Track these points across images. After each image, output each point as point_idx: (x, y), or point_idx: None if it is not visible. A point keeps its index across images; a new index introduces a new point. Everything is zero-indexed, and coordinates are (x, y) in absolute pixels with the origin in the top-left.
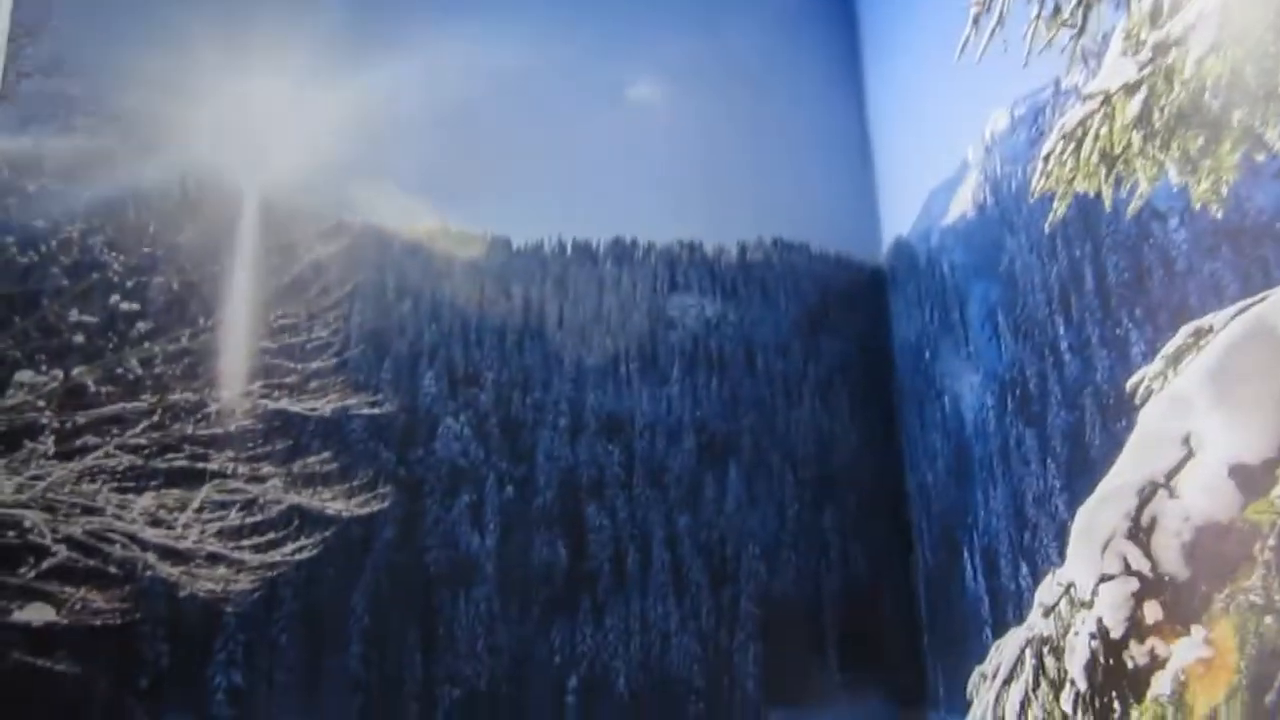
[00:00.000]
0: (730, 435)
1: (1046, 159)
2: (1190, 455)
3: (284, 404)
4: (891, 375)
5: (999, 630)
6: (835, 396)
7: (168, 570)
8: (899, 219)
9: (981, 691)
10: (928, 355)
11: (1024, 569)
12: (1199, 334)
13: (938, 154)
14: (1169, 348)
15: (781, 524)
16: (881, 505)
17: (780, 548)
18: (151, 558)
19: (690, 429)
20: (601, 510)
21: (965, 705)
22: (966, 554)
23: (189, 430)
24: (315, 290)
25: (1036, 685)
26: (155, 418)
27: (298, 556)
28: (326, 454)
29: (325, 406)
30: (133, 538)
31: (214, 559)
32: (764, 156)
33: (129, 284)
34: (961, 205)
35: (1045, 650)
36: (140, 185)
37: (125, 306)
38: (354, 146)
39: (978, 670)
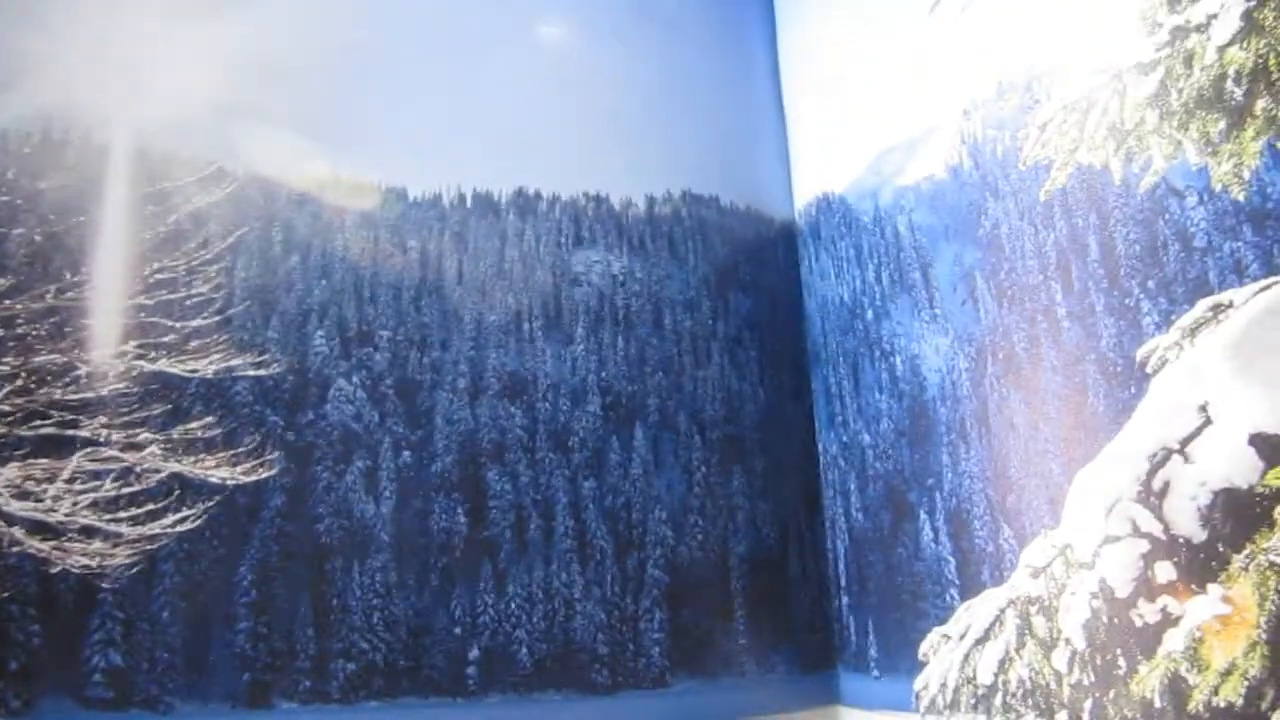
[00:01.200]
0: (637, 396)
1: (1044, 128)
2: (1208, 423)
3: (161, 365)
4: (804, 333)
5: (968, 591)
6: (744, 355)
7: (37, 545)
8: (824, 174)
9: (943, 651)
10: (870, 314)
11: (1005, 531)
12: (1218, 308)
13: (889, 115)
14: (1186, 320)
15: (689, 488)
16: (791, 466)
17: (688, 512)
18: (18, 532)
19: (595, 390)
20: (503, 475)
21: (909, 666)
22: (925, 516)
23: (56, 395)
24: (195, 242)
25: (1021, 645)
26: (19, 382)
27: (179, 528)
28: (209, 418)
29: (207, 368)
30: None
31: (88, 532)
32: (674, 106)
33: None
34: (926, 166)
35: (1033, 610)
36: None
37: None
38: (235, 86)
39: (937, 631)
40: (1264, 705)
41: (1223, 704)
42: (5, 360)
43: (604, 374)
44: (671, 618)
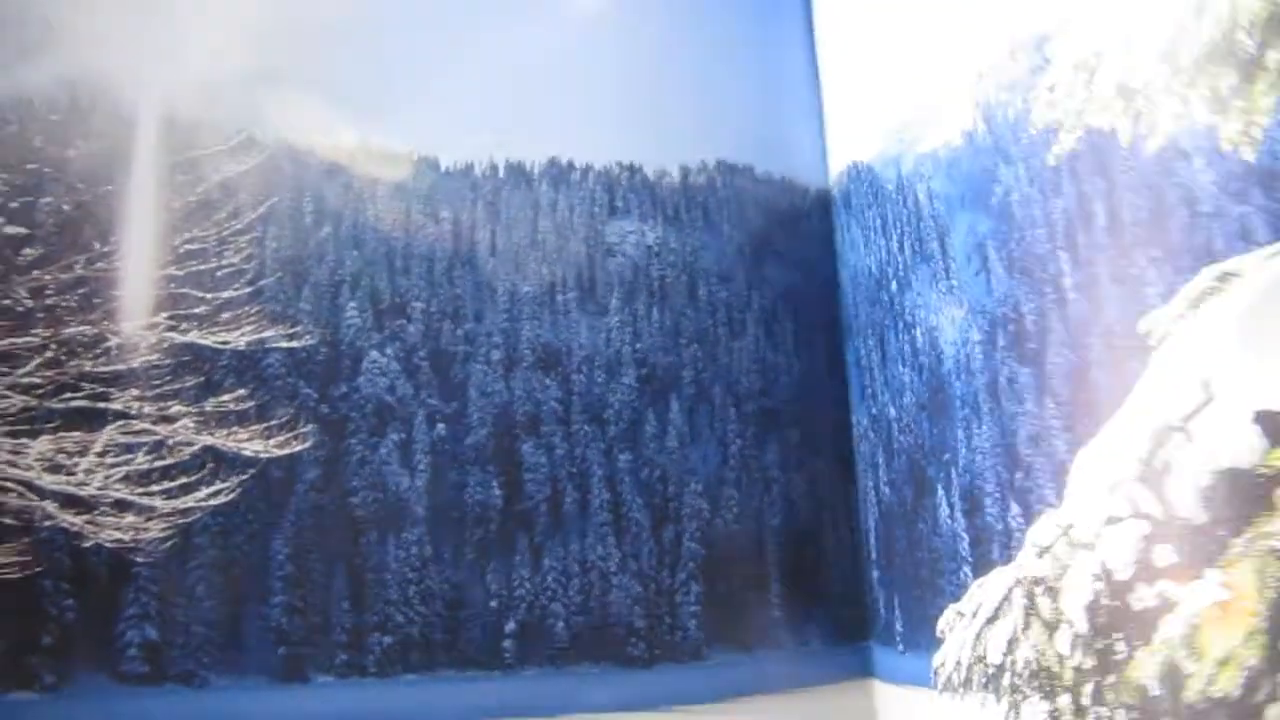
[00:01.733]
0: (671, 368)
1: (1053, 89)
2: (1210, 400)
3: (193, 337)
4: (837, 304)
5: (980, 569)
6: (779, 326)
7: (69, 519)
8: (855, 143)
9: (958, 629)
10: (894, 285)
11: (1014, 509)
12: (1224, 278)
13: (911, 79)
14: (1191, 290)
15: (724, 460)
16: (825, 439)
17: (723, 485)
18: (51, 506)
19: (630, 362)
20: (538, 448)
21: (930, 642)
22: (942, 491)
23: (87, 367)
24: (225, 212)
25: (1027, 625)
26: (49, 354)
27: (213, 501)
28: (241, 391)
29: (239, 339)
30: (29, 485)
31: (121, 506)
32: (708, 74)
33: (14, 204)
34: (943, 133)
35: (1039, 590)
36: (22, 93)
37: (10, 230)
38: (264, 53)
39: (952, 608)
40: (1260, 697)
41: (1219, 694)
42: (35, 332)
43: (639, 346)
44: (707, 591)
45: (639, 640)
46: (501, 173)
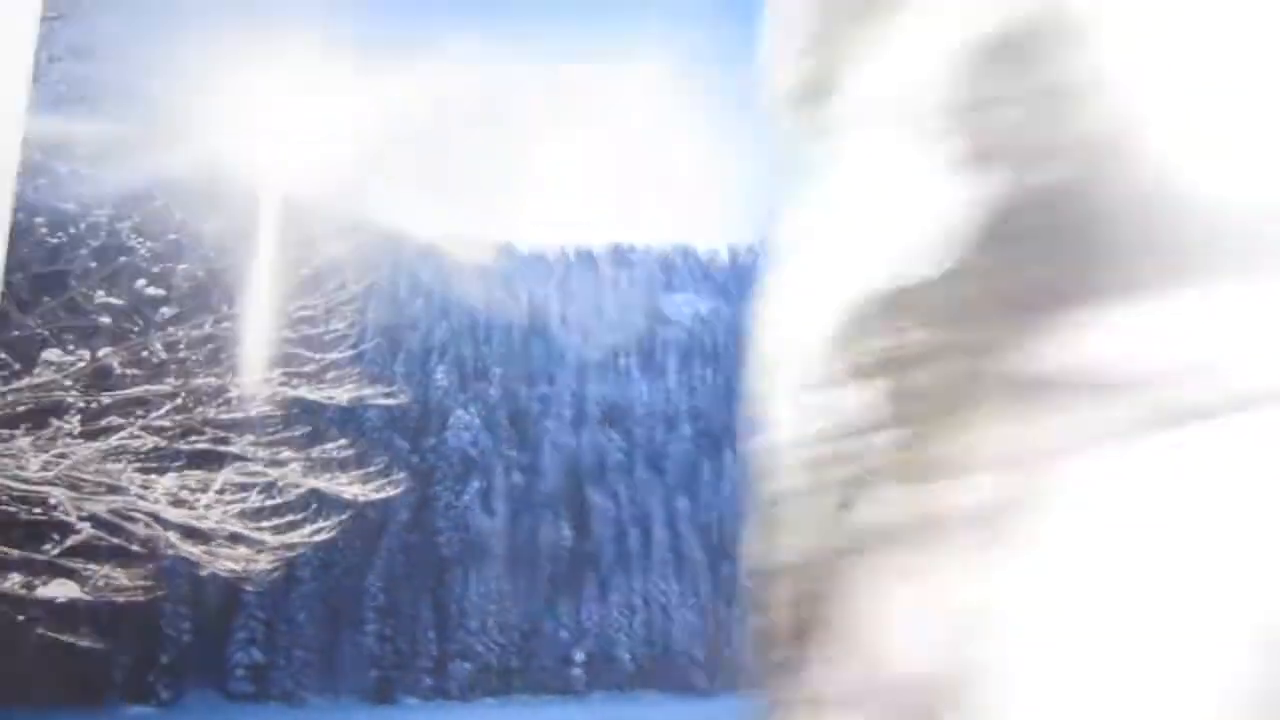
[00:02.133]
0: (725, 422)
1: None
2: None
3: (303, 392)
4: None
5: None
6: None
7: (189, 550)
8: None
9: None
10: None
11: None
12: None
13: None
14: None
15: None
16: None
17: None
18: (174, 537)
19: (687, 417)
20: (604, 494)
21: None
22: None
23: (211, 414)
24: (333, 285)
25: None
26: (178, 400)
27: (316, 538)
28: (343, 441)
29: (342, 396)
30: (155, 517)
31: (235, 539)
32: (756, 166)
33: (155, 269)
34: None
35: None
36: (167, 173)
37: (151, 291)
38: (369, 149)
39: None
40: None
41: None
42: (167, 381)
43: (694, 403)
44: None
45: (700, 670)
46: (571, 256)
